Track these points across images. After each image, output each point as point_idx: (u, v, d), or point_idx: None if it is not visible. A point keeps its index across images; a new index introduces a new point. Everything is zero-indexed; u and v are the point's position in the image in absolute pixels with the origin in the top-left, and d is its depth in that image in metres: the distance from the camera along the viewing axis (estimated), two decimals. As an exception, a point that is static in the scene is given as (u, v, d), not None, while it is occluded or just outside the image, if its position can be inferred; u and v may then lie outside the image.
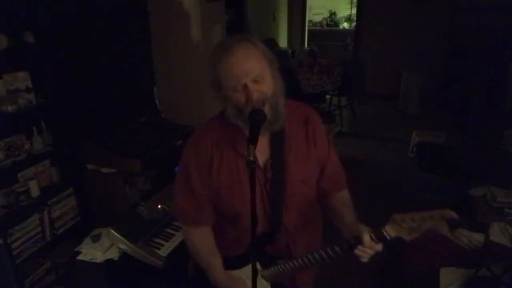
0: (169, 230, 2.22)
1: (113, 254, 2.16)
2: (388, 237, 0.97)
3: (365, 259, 1.01)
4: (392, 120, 5.67)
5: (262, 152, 1.17)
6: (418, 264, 2.21)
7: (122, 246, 2.08)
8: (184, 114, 3.22)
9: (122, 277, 2.20)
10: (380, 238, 0.98)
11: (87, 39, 2.56)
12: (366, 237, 0.98)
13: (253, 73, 1.05)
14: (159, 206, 2.31)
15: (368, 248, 0.99)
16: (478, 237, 2.28)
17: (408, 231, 0.94)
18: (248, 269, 1.18)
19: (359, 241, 0.99)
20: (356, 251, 1.00)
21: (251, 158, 0.95)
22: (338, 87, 5.32)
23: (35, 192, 2.28)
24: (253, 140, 0.99)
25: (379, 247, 1.00)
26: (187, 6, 3.00)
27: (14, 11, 2.14)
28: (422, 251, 2.27)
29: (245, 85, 1.05)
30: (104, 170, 2.47)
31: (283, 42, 7.47)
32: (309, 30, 8.11)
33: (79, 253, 2.20)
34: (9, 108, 2.11)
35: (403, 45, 6.10)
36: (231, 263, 1.29)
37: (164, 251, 2.08)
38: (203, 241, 1.29)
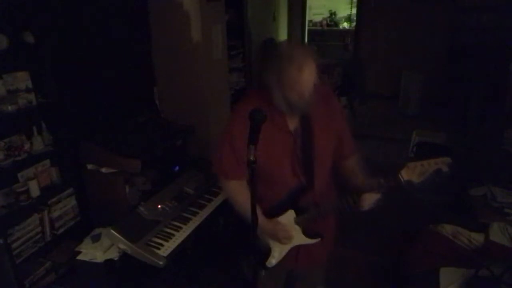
0: (169, 230, 2.22)
1: (113, 254, 2.17)
2: (402, 180, 1.28)
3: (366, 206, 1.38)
4: (392, 120, 5.66)
5: (293, 121, 1.43)
6: (418, 264, 2.20)
7: (122, 246, 2.07)
8: (184, 114, 3.22)
9: (122, 277, 2.20)
10: (395, 181, 1.29)
11: (87, 39, 2.56)
12: (381, 180, 1.33)
13: (311, 86, 1.29)
14: (159, 206, 2.31)
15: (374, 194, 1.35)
16: (478, 237, 2.28)
17: (418, 175, 1.25)
18: (282, 218, 1.51)
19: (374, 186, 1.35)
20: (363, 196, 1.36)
21: (251, 158, 1.03)
22: (338, 87, 5.32)
23: (35, 192, 2.28)
24: (253, 140, 1.05)
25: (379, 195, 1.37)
26: (187, 6, 3.00)
27: (14, 11, 2.14)
28: (422, 251, 2.27)
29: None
30: (104, 170, 2.47)
31: (283, 42, 7.45)
32: (309, 30, 8.09)
33: (79, 253, 2.20)
34: (9, 108, 2.11)
35: (403, 45, 6.09)
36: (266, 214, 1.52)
37: (164, 251, 2.07)
38: (241, 191, 1.50)
